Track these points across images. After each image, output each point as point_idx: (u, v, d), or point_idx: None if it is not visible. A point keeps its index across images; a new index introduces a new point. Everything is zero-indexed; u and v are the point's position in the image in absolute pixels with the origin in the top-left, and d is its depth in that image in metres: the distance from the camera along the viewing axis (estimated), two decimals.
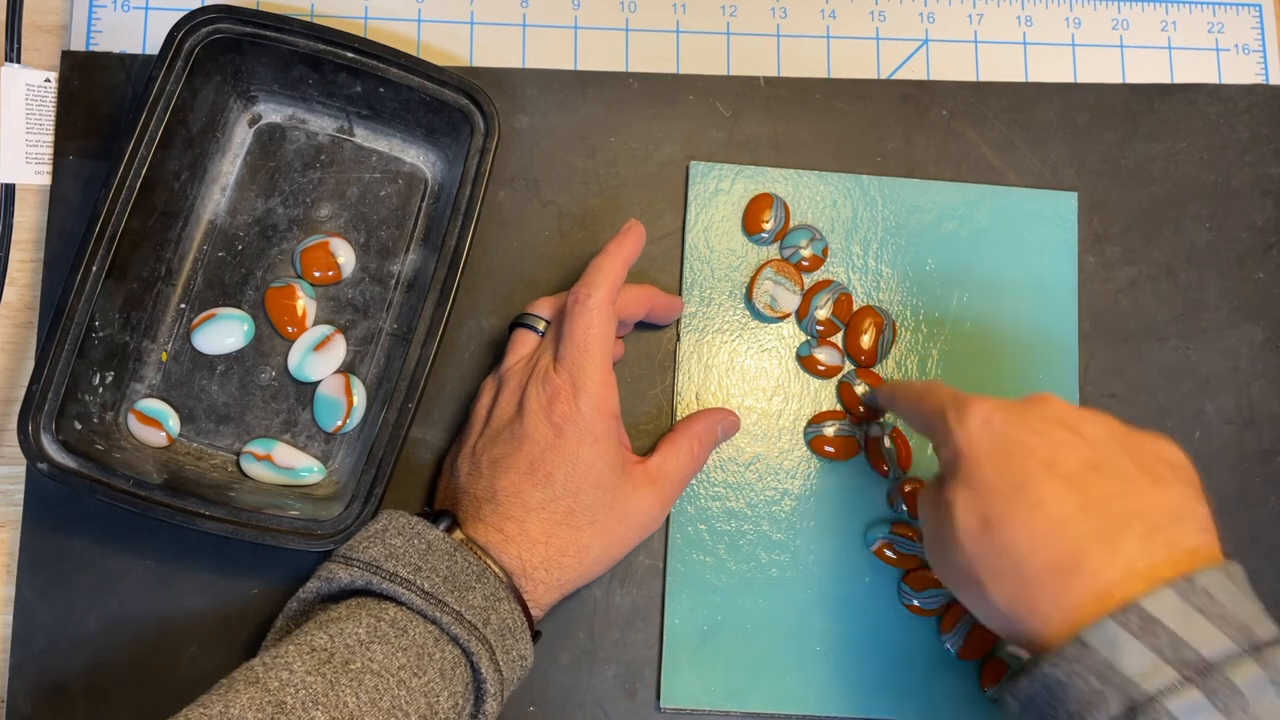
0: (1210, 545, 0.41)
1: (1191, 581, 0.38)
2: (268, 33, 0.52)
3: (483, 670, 0.44)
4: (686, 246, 0.57)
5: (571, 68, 0.59)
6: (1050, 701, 0.39)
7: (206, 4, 0.54)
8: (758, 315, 0.57)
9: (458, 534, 0.48)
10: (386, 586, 0.44)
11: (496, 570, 0.46)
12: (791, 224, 0.58)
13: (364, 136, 0.56)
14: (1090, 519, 0.40)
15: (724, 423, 0.54)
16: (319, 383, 0.54)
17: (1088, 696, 0.38)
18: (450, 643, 0.44)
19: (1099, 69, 0.61)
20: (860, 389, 0.56)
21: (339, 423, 0.53)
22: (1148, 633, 0.37)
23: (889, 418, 0.56)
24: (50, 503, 0.53)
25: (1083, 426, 0.43)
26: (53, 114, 0.56)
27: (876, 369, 0.57)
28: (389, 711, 0.41)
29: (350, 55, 0.52)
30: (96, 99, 0.56)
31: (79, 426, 0.50)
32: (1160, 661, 0.37)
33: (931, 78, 0.60)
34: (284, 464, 0.53)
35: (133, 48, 0.57)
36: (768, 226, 0.57)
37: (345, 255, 0.55)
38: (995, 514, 0.41)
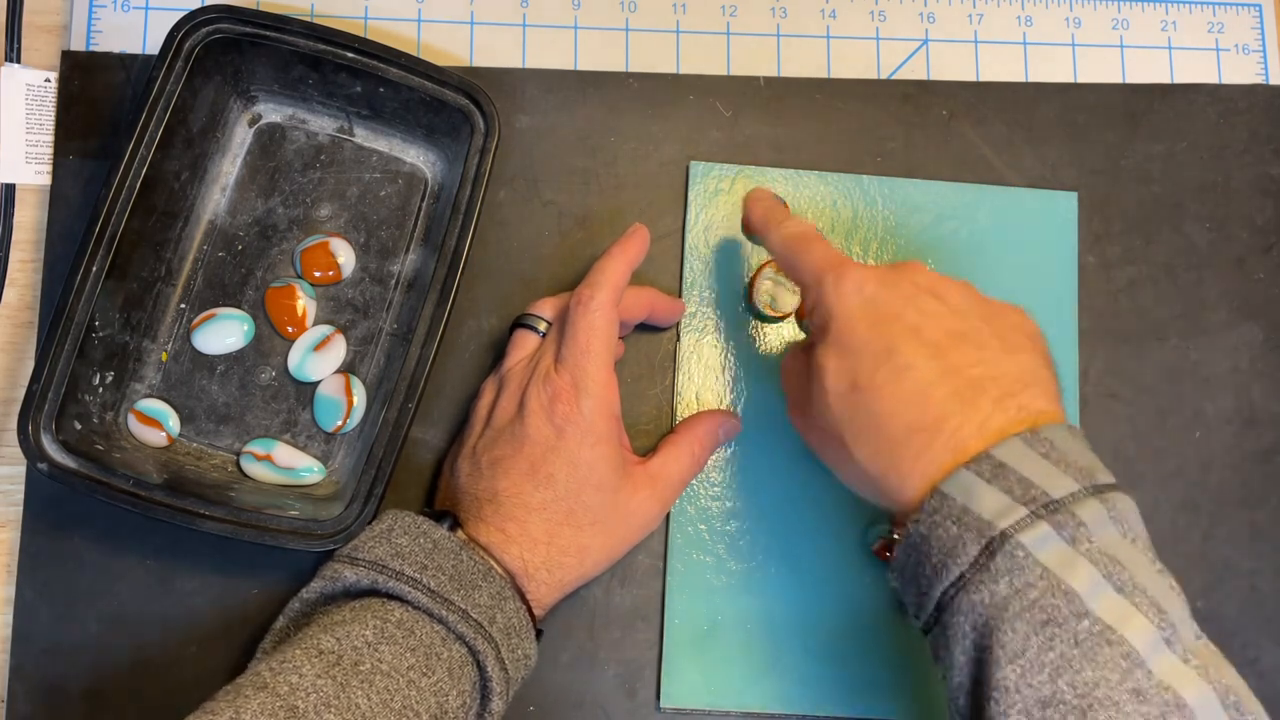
0: (1056, 409, 0.43)
1: (1037, 433, 0.41)
2: (268, 33, 0.52)
3: (489, 669, 0.44)
4: (686, 246, 0.57)
5: (571, 68, 0.59)
6: (918, 560, 0.41)
7: (206, 4, 0.54)
8: (758, 315, 0.57)
9: (460, 534, 0.48)
10: (393, 585, 0.44)
11: (500, 570, 0.47)
12: None
13: (364, 136, 0.56)
14: (951, 383, 0.42)
15: (725, 425, 0.54)
16: (319, 383, 0.54)
17: (948, 544, 0.40)
18: (457, 642, 0.44)
19: (1099, 69, 0.61)
20: None
21: (339, 423, 0.53)
22: (999, 477, 0.40)
23: None
24: (50, 503, 0.53)
25: (948, 295, 0.45)
26: (53, 114, 0.56)
27: None
28: (400, 712, 0.41)
29: (350, 55, 0.52)
30: (96, 99, 0.56)
31: (79, 426, 0.50)
32: (1011, 501, 0.39)
33: (931, 78, 0.60)
34: (284, 464, 0.53)
35: (133, 48, 0.57)
36: None
37: (345, 255, 0.55)
38: (864, 377, 0.43)
